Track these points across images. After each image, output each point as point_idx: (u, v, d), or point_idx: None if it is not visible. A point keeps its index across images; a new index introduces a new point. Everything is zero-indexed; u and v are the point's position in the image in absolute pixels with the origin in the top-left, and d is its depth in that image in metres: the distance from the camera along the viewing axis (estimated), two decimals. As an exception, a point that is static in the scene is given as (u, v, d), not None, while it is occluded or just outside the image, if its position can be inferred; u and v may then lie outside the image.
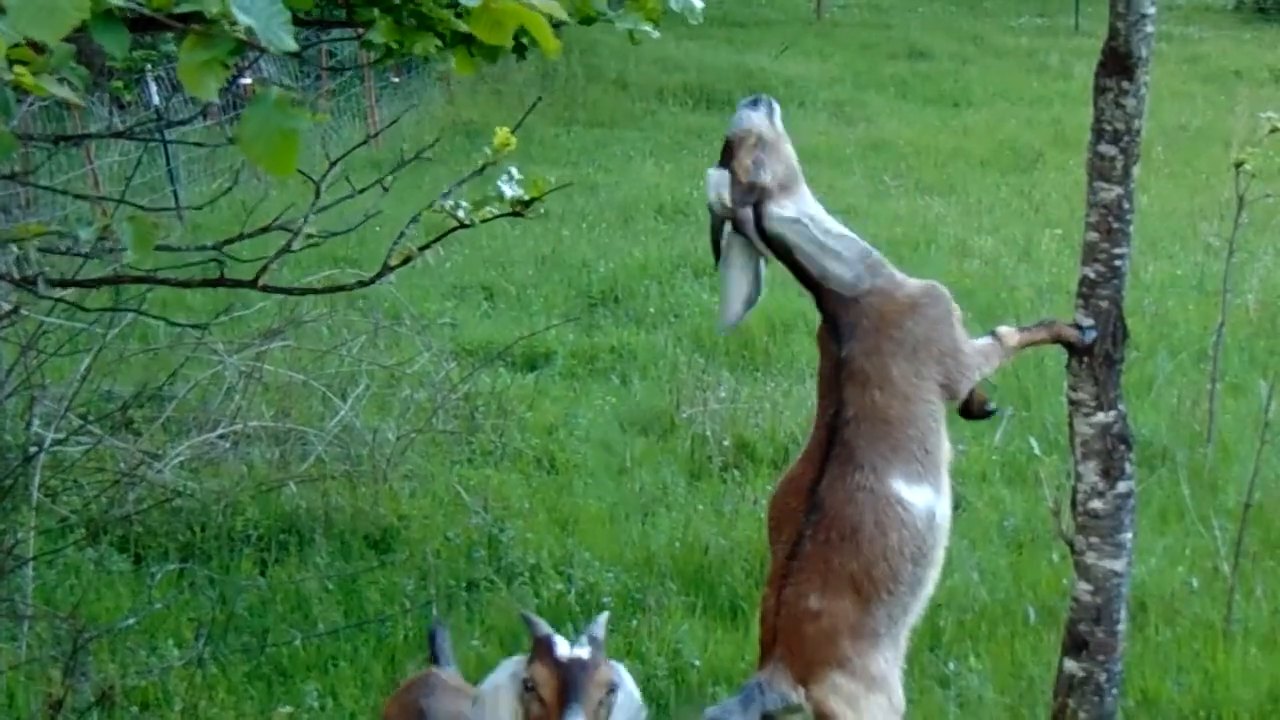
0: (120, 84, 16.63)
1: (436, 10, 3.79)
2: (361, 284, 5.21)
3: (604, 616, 4.25)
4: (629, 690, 4.13)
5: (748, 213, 4.91)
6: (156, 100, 15.68)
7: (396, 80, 21.31)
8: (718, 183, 4.90)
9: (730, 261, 5.02)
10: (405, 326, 10.94)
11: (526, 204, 4.78)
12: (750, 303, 5.03)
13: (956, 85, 24.33)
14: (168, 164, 16.02)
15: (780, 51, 26.02)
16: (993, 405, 5.62)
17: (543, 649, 4.02)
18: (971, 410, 5.57)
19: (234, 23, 2.35)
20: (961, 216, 15.89)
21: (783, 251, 4.94)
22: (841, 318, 4.97)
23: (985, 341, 5.22)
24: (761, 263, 5.00)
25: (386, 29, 3.87)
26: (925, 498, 4.90)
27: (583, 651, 4.00)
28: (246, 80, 12.79)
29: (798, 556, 4.84)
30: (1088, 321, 5.23)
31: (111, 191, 13.45)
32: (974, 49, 27.73)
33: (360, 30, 4.03)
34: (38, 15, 2.13)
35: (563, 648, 4.00)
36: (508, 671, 4.13)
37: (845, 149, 19.39)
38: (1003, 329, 5.28)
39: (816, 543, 4.84)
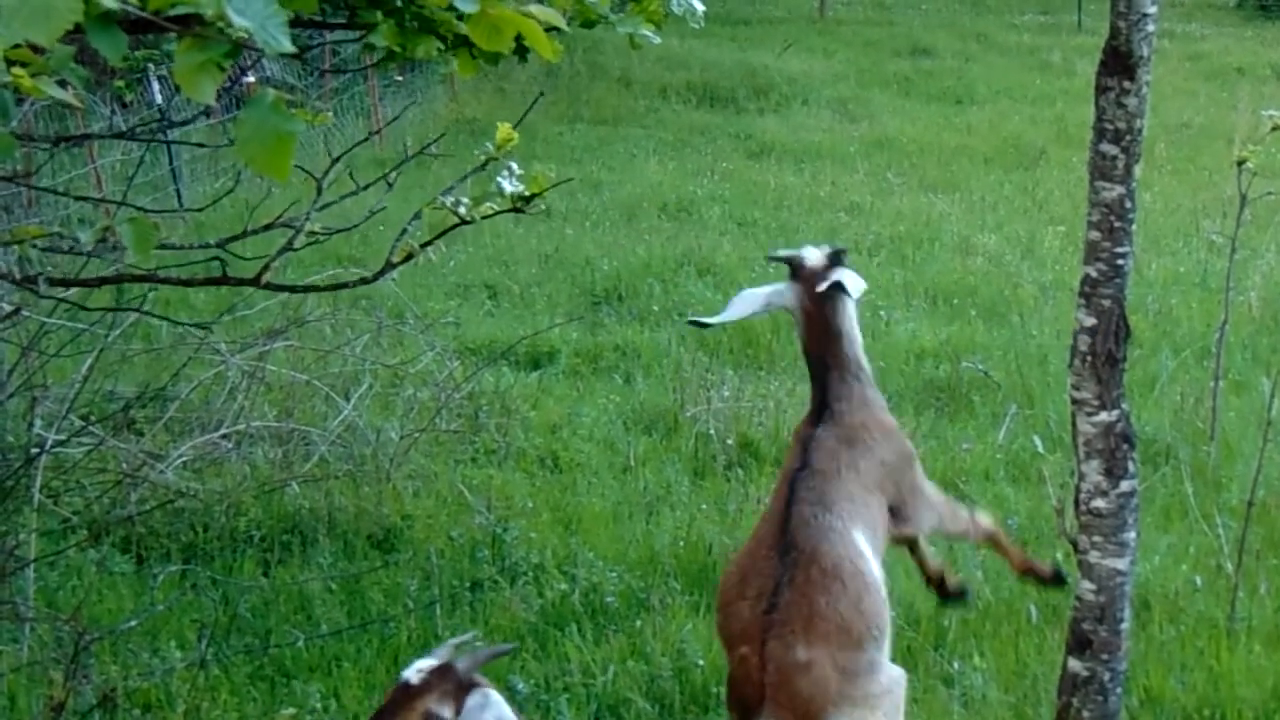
0: (122, 83, 16.62)
1: (439, 13, 3.78)
2: (364, 281, 5.21)
3: (502, 647, 4.24)
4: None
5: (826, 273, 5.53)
6: (159, 99, 15.66)
7: (400, 79, 21.28)
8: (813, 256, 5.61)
9: (762, 294, 5.52)
10: (408, 326, 10.93)
11: (527, 200, 4.77)
12: (740, 317, 5.53)
13: (960, 83, 24.33)
14: (171, 163, 16.01)
15: (784, 49, 26.01)
16: (970, 594, 5.84)
17: None
18: (945, 589, 5.73)
19: (231, 24, 2.34)
20: (965, 214, 15.89)
21: (830, 314, 5.59)
22: (831, 399, 5.23)
23: (958, 505, 5.47)
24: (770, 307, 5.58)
25: (389, 33, 3.86)
26: (877, 570, 5.04)
27: (412, 676, 3.97)
28: (250, 79, 12.79)
29: (777, 608, 4.85)
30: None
31: (114, 191, 13.46)
32: (977, 46, 27.73)
33: (363, 32, 4.01)
34: (32, 16, 2.12)
35: (408, 670, 3.99)
36: None
37: (849, 146, 19.40)
38: (981, 514, 5.59)
39: (797, 586, 4.86)
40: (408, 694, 3.93)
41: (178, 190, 15.84)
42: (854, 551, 4.96)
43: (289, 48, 2.31)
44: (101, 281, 5.22)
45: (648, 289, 12.86)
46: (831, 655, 4.77)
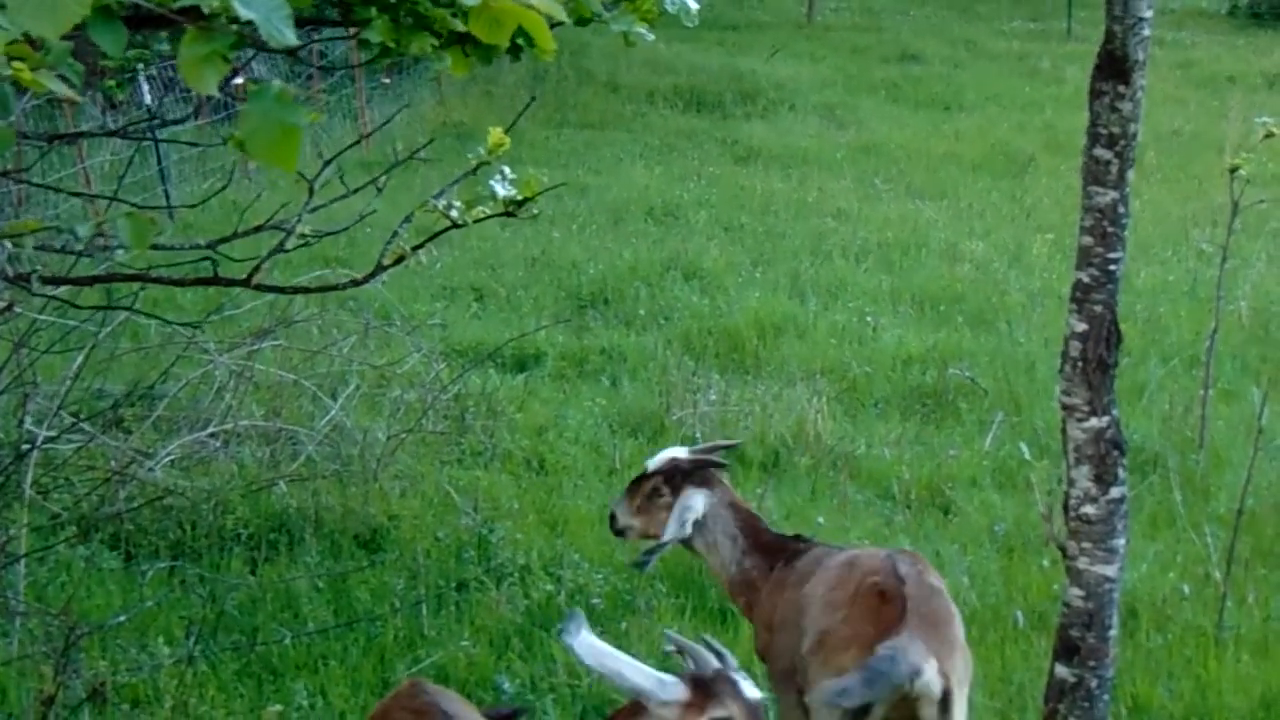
0: (112, 83, 16.59)
1: (434, 10, 3.78)
2: (354, 283, 5.20)
3: (730, 662, 4.19)
4: None
5: None
6: (149, 99, 15.64)
7: (387, 81, 21.24)
8: None
9: None
10: (395, 327, 10.93)
11: (519, 204, 4.77)
12: None
13: (948, 89, 24.33)
14: (159, 163, 15.98)
15: (771, 54, 26.01)
16: None
17: (730, 688, 3.96)
18: None
19: (234, 18, 2.34)
20: (952, 221, 15.89)
21: None
22: None
23: None
24: None
25: (384, 29, 3.85)
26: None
27: (757, 693, 3.97)
28: (239, 80, 12.75)
29: (901, 552, 5.25)
30: None
31: (103, 191, 13.43)
32: (966, 53, 27.73)
33: (356, 29, 4.01)
34: (39, 10, 2.12)
35: (749, 689, 3.96)
36: (666, 696, 4.03)
37: (836, 152, 19.39)
38: None
39: (915, 561, 5.19)
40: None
41: (166, 191, 15.82)
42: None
43: (293, 40, 2.31)
44: (94, 280, 5.21)
45: (634, 292, 12.85)
46: (949, 601, 5.03)
